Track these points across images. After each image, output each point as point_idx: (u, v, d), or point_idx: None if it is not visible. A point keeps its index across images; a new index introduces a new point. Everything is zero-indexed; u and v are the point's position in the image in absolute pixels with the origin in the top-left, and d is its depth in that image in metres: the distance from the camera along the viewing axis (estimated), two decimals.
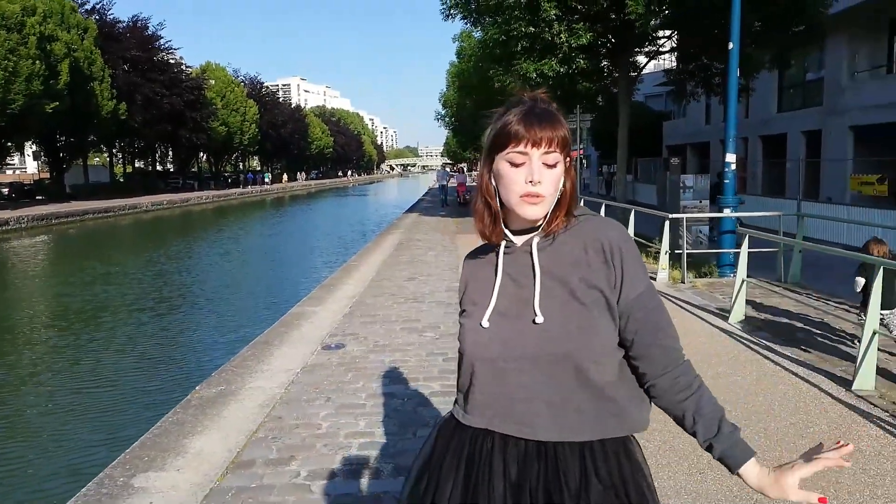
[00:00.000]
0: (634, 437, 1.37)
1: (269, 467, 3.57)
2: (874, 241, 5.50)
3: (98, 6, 42.65)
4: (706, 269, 9.82)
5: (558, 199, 1.32)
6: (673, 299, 7.72)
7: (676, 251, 9.35)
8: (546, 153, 1.28)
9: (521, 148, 1.29)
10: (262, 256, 20.09)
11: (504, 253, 1.37)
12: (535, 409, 1.29)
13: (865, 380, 4.47)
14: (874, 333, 4.46)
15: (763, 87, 22.19)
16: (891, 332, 5.12)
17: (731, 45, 8.83)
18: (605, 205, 13.33)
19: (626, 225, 11.33)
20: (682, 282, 8.73)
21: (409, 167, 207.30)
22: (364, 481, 3.36)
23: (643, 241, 11.15)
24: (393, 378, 4.99)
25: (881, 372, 4.75)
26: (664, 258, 8.99)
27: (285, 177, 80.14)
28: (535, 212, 1.30)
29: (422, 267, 10.75)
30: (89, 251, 21.46)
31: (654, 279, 9.02)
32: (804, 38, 14.07)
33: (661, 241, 9.35)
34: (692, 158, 29.98)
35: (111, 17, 43.77)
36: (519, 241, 1.37)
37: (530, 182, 1.28)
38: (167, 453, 3.77)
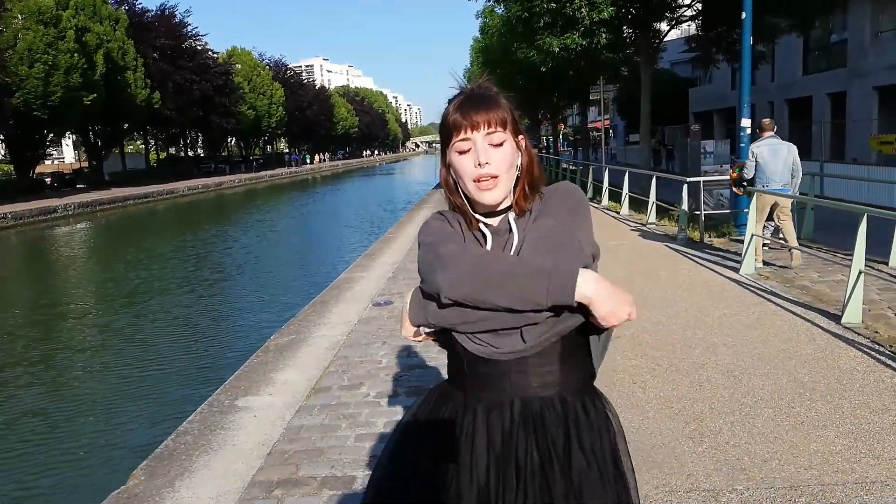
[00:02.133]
0: (609, 402, 1.41)
1: (344, 391, 4.36)
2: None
3: None
4: (725, 229, 10.36)
5: (518, 176, 1.34)
6: (690, 256, 8.35)
7: (696, 212, 9.91)
8: (489, 133, 1.30)
9: (463, 135, 1.30)
10: (297, 236, 21.01)
11: (490, 233, 1.36)
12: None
13: (853, 314, 5.09)
14: (860, 273, 5.07)
15: (788, 50, 22.26)
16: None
17: (743, 15, 9.25)
18: (629, 172, 13.86)
19: (648, 191, 11.89)
20: (701, 241, 9.31)
21: (433, 144, 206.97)
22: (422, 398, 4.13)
23: (665, 205, 11.72)
24: None
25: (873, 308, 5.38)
26: (683, 218, 9.57)
27: (317, 157, 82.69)
28: (493, 196, 1.31)
29: None
30: (136, 235, 22.64)
31: (675, 238, 9.62)
32: (821, 3, 14.28)
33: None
34: (719, 124, 30.04)
35: (140, 6, 44.84)
36: (495, 222, 1.36)
37: (478, 165, 1.29)
38: (259, 384, 4.59)
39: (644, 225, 11.49)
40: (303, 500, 3.03)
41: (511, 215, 1.35)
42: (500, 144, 1.30)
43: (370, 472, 3.19)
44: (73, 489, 5.04)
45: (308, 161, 79.44)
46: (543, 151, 43.23)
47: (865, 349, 4.52)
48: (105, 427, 6.07)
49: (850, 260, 7.15)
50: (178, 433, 3.87)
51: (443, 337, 1.40)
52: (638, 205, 13.49)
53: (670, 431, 3.44)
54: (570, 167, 22.49)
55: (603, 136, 22.32)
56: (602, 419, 1.34)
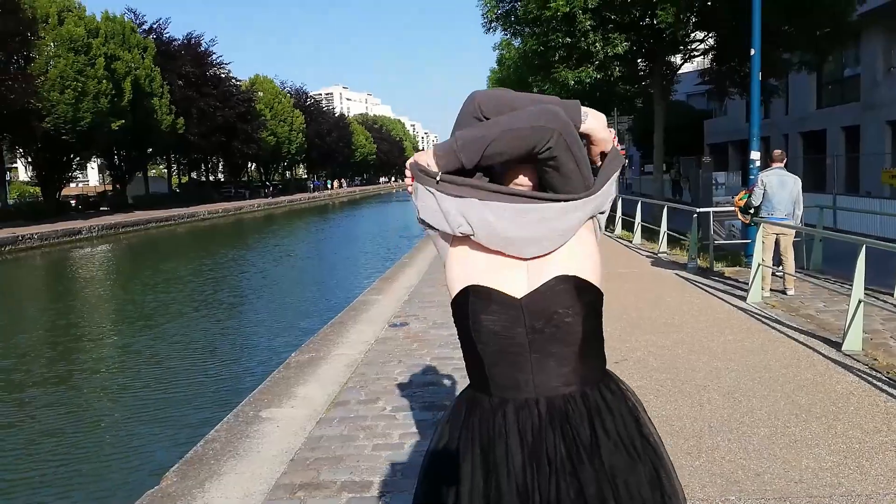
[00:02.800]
0: (626, 384, 1.52)
1: (361, 405, 4.60)
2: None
3: (155, 26, 45.18)
4: (737, 259, 10.53)
5: None
6: (699, 284, 8.53)
7: (705, 242, 10.10)
8: None
9: None
10: (314, 261, 21.36)
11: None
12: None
13: (854, 342, 5.26)
14: (860, 302, 5.25)
15: (802, 84, 22.52)
16: None
17: (752, 52, 9.54)
18: (641, 201, 14.09)
19: (660, 221, 12.09)
20: (711, 269, 9.49)
21: None
22: (435, 412, 4.36)
23: (677, 234, 11.92)
24: (451, 346, 5.98)
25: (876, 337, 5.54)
26: (693, 248, 9.77)
27: (336, 183, 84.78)
28: None
29: None
30: (158, 257, 23.14)
31: (685, 267, 9.81)
32: (831, 40, 14.58)
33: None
34: (734, 155, 30.21)
35: (167, 35, 46.23)
36: None
37: None
38: (281, 397, 4.85)
39: (656, 254, 11.69)
40: (324, 502, 3.26)
41: None
42: None
43: (386, 479, 3.44)
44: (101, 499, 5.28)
45: (329, 187, 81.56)
46: None
47: (863, 375, 4.69)
48: (126, 445, 6.26)
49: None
50: (207, 441, 4.13)
51: (460, 317, 1.44)
52: (651, 234, 13.68)
53: (669, 447, 3.59)
54: None
55: None
56: (620, 400, 1.43)
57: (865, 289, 7.63)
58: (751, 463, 3.42)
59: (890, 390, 4.38)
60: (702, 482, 3.23)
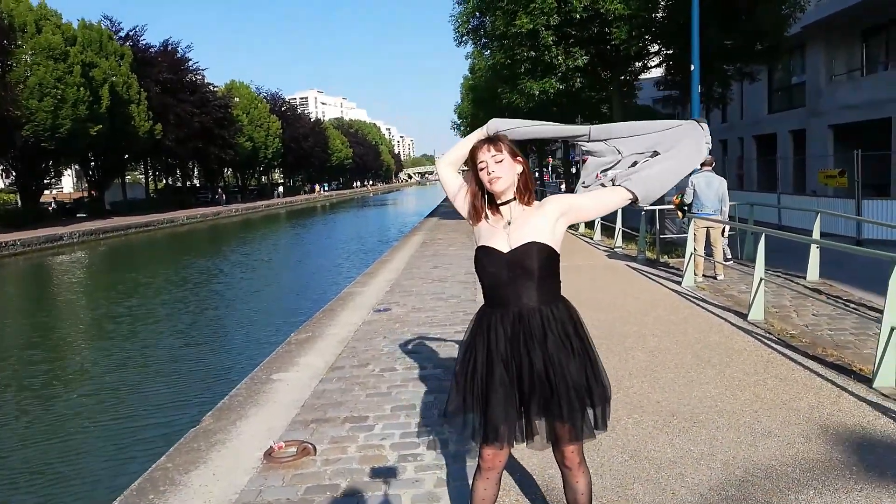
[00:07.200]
0: (572, 306, 2.37)
1: (355, 369, 5.62)
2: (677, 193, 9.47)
3: (132, 33, 45.53)
4: (682, 251, 11.73)
5: (520, 178, 2.30)
6: (645, 272, 9.70)
7: (654, 236, 11.29)
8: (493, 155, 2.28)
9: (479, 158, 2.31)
10: (295, 261, 22.24)
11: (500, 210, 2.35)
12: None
13: (757, 312, 6.44)
14: (761, 280, 6.41)
15: (755, 90, 24.00)
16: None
17: (692, 67, 10.77)
18: None
19: (615, 217, 13.30)
20: (657, 260, 10.67)
21: (426, 175, 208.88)
22: (416, 371, 5.40)
23: (630, 231, 13.11)
24: (429, 324, 7.04)
25: (779, 307, 6.73)
26: (641, 241, 10.96)
27: (318, 187, 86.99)
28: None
29: (444, 258, 12.81)
30: (143, 261, 23.81)
31: (635, 258, 10.98)
32: (768, 54, 15.99)
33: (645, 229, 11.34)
34: None
35: (144, 42, 46.62)
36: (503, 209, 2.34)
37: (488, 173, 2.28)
38: (287, 364, 5.85)
39: (612, 248, 12.87)
40: (331, 430, 4.28)
41: (512, 205, 2.31)
42: (500, 161, 2.27)
43: (378, 414, 4.46)
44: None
45: (314, 191, 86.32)
46: None
47: (758, 336, 5.85)
48: (159, 404, 7.51)
49: (777, 275, 8.56)
50: (231, 396, 5.12)
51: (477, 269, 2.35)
52: (610, 231, 14.87)
53: None
54: None
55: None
56: (564, 312, 2.31)
57: (779, 272, 8.88)
58: (654, 395, 4.52)
59: (775, 346, 5.53)
60: (615, 408, 4.26)
